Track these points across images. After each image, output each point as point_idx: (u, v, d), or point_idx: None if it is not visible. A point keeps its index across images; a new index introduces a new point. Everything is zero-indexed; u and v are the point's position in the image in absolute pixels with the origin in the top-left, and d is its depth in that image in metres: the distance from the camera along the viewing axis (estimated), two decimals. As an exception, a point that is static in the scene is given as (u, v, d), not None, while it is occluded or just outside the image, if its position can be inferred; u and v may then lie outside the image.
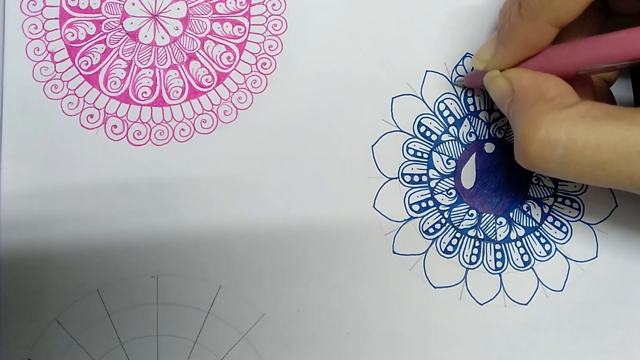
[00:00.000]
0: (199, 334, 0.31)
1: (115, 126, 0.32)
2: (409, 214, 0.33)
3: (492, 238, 0.33)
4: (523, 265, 0.33)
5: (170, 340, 0.31)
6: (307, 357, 0.32)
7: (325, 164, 0.33)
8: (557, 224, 0.33)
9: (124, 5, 0.33)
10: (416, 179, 0.33)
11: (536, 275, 0.33)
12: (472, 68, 0.33)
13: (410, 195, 0.33)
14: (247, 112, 0.33)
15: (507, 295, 0.33)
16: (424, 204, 0.33)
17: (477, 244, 0.33)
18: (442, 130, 0.33)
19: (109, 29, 0.33)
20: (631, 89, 0.34)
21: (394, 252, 0.32)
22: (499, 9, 0.33)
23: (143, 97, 0.33)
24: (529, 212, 0.33)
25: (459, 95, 0.34)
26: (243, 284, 0.32)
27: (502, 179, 0.33)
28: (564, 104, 0.25)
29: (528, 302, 0.33)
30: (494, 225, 0.33)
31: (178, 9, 0.33)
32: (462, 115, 0.33)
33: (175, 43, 0.33)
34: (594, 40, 0.25)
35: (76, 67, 0.33)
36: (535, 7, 0.25)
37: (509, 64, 0.28)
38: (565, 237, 0.33)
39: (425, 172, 0.33)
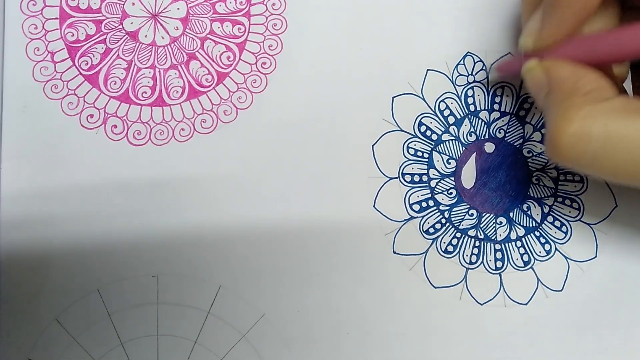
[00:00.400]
0: (199, 334, 0.32)
1: (115, 126, 0.32)
2: (409, 214, 0.33)
3: (492, 238, 0.33)
4: (523, 265, 0.33)
5: (170, 340, 0.31)
6: (307, 357, 0.32)
7: (325, 164, 0.33)
8: (557, 223, 0.33)
9: (124, 5, 0.33)
10: (416, 178, 0.33)
11: (536, 275, 0.33)
12: (472, 71, 0.33)
13: (410, 195, 0.33)
14: (247, 112, 0.33)
15: (507, 295, 0.33)
16: (424, 204, 0.33)
17: (477, 243, 0.33)
18: (443, 129, 0.33)
19: (109, 29, 0.33)
20: (630, 88, 0.34)
21: (394, 252, 0.32)
22: (500, 7, 0.33)
23: (143, 97, 0.33)
24: (529, 212, 0.33)
25: (460, 94, 0.33)
26: (243, 284, 0.32)
27: (502, 179, 0.33)
28: (601, 98, 0.24)
29: (528, 302, 0.33)
30: (494, 225, 0.33)
31: (178, 8, 0.33)
32: (462, 115, 0.33)
33: (175, 43, 0.33)
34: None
35: (76, 67, 0.33)
36: None
37: (557, 36, 0.27)
38: (565, 237, 0.33)
39: (425, 171, 0.33)
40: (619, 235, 0.33)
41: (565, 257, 0.33)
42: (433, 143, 0.33)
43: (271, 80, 0.33)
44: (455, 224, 0.33)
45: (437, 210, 0.33)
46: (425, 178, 0.33)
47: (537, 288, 0.33)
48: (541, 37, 0.27)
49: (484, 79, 0.33)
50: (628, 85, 0.34)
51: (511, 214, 0.33)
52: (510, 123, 0.33)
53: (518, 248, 0.33)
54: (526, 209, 0.33)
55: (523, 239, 0.33)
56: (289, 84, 0.33)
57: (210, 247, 0.32)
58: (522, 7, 0.30)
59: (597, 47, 0.26)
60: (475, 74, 0.33)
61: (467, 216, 0.33)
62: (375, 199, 0.33)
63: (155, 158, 0.32)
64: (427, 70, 0.34)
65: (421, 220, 0.33)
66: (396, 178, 0.33)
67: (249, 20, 0.33)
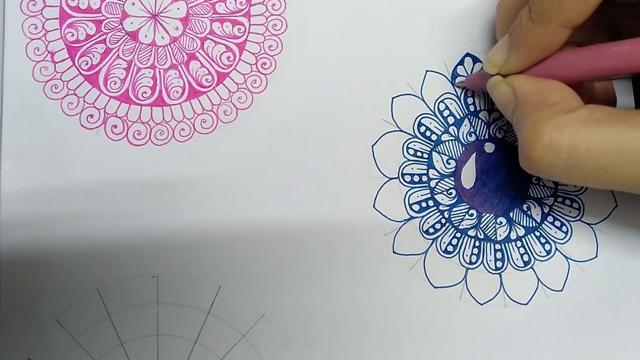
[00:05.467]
0: (199, 334, 0.32)
1: (115, 126, 0.32)
2: (409, 214, 0.33)
3: (492, 238, 0.33)
4: (523, 265, 0.33)
5: (170, 340, 0.31)
6: (307, 357, 0.32)
7: (325, 164, 0.33)
8: (557, 223, 0.33)
9: (124, 5, 0.33)
10: (416, 178, 0.33)
11: (536, 275, 0.33)
12: (471, 71, 0.33)
13: (410, 195, 0.33)
14: (247, 112, 0.33)
15: (507, 295, 0.33)
16: (424, 204, 0.33)
17: (477, 243, 0.33)
18: (442, 130, 0.33)
19: (109, 29, 0.33)
20: (631, 91, 0.34)
21: (394, 252, 0.32)
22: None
23: (143, 97, 0.33)
24: (529, 212, 0.33)
25: (459, 95, 0.34)
26: (243, 284, 0.32)
27: (502, 179, 0.33)
28: (567, 109, 0.25)
29: (528, 302, 0.33)
30: (494, 225, 0.33)
31: (178, 9, 0.33)
32: (462, 115, 0.33)
33: (175, 43, 0.33)
34: (596, 52, 0.25)
35: (76, 67, 0.33)
36: (545, 11, 0.25)
37: (521, 68, 0.28)
38: (565, 237, 0.33)
39: (425, 172, 0.33)
40: (619, 235, 0.33)
41: (566, 257, 0.33)
42: (433, 143, 0.33)
43: (271, 80, 0.33)
44: (455, 224, 0.33)
45: (437, 210, 0.33)
46: (425, 178, 0.33)
47: (537, 288, 0.33)
48: (506, 70, 0.28)
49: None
50: (630, 99, 0.34)
51: (511, 214, 0.33)
52: (510, 123, 0.33)
53: (518, 248, 0.33)
54: (526, 209, 0.33)
55: (523, 239, 0.33)
56: (289, 84, 0.33)
57: (210, 247, 0.32)
58: (497, 24, 0.30)
59: (557, 68, 0.27)
60: (475, 75, 0.34)
61: (467, 216, 0.33)
62: (375, 199, 0.33)
63: (155, 158, 0.32)
64: (427, 71, 0.34)
65: (421, 220, 0.33)
66: (396, 178, 0.33)
67: (249, 21, 0.33)
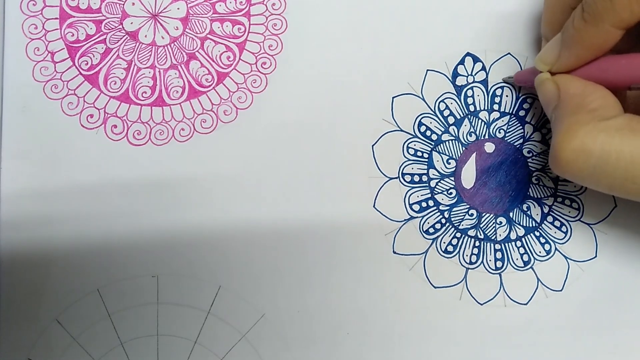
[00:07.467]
0: (199, 334, 0.32)
1: (115, 126, 0.32)
2: (409, 214, 0.33)
3: (492, 238, 0.33)
4: (523, 265, 0.33)
5: (170, 340, 0.31)
6: (307, 357, 0.32)
7: (325, 164, 0.33)
8: (557, 223, 0.33)
9: (124, 5, 0.33)
10: (416, 178, 0.33)
11: (536, 275, 0.33)
12: (472, 70, 0.33)
13: (410, 195, 0.33)
14: (247, 112, 0.33)
15: (507, 295, 0.33)
16: (424, 204, 0.33)
17: (477, 243, 0.33)
18: (443, 130, 0.33)
19: (109, 29, 0.33)
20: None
21: (394, 252, 0.32)
22: (499, 7, 0.33)
23: (143, 97, 0.33)
24: (529, 212, 0.33)
25: (459, 94, 0.33)
26: (243, 284, 0.32)
27: (502, 179, 0.33)
28: (605, 116, 0.25)
29: (528, 302, 0.33)
30: (494, 225, 0.33)
31: (178, 8, 0.33)
32: (462, 115, 0.33)
33: (175, 43, 0.33)
34: None
35: (76, 67, 0.33)
36: (598, 11, 0.25)
37: (572, 67, 0.28)
38: (564, 237, 0.33)
39: (425, 171, 0.33)
40: (618, 235, 0.33)
41: (565, 257, 0.33)
42: (433, 143, 0.33)
43: (271, 80, 0.33)
44: (455, 224, 0.33)
45: (437, 210, 0.33)
46: (425, 178, 0.33)
47: (537, 288, 0.33)
48: (557, 68, 0.28)
49: (484, 79, 0.33)
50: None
51: (511, 214, 0.33)
52: (510, 123, 0.33)
53: (518, 248, 0.33)
54: (526, 209, 0.33)
55: (523, 239, 0.33)
56: (289, 84, 0.33)
57: (210, 247, 0.32)
58: (542, 28, 0.30)
59: (608, 70, 0.27)
60: (475, 74, 0.33)
61: (467, 216, 0.33)
62: (375, 199, 0.33)
63: (155, 158, 0.32)
64: (427, 70, 0.34)
65: (421, 220, 0.33)
66: (396, 178, 0.33)
67: (249, 20, 0.33)
